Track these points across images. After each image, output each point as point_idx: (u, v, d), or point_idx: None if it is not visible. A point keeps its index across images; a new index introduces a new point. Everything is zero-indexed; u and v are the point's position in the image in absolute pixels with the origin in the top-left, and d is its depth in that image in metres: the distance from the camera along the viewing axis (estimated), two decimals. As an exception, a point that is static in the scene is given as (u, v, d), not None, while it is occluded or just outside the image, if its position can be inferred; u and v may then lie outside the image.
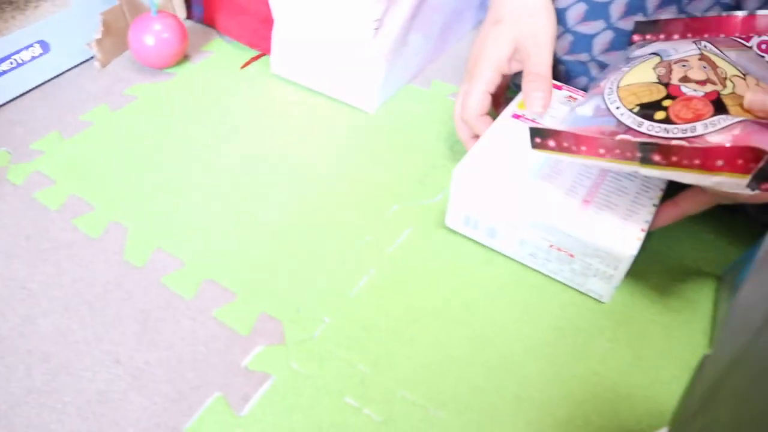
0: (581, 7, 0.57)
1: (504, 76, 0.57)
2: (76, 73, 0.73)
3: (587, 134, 0.44)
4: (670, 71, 0.47)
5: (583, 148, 0.44)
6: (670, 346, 0.48)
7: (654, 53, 0.49)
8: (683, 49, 0.48)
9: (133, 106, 0.69)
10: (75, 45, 0.72)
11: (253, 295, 0.51)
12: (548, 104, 0.54)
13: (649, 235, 0.52)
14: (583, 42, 0.57)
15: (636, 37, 0.54)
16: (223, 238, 0.55)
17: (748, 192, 0.37)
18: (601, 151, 0.44)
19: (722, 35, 0.50)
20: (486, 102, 0.56)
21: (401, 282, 0.52)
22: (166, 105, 0.69)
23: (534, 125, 0.48)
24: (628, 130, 0.43)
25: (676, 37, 0.52)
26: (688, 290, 0.51)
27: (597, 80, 0.52)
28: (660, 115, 0.43)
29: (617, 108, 0.45)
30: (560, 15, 0.57)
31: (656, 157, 0.40)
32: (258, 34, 0.74)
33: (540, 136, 0.47)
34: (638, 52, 0.51)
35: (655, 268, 0.53)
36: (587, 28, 0.57)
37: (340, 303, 0.51)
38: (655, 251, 0.54)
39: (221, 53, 0.76)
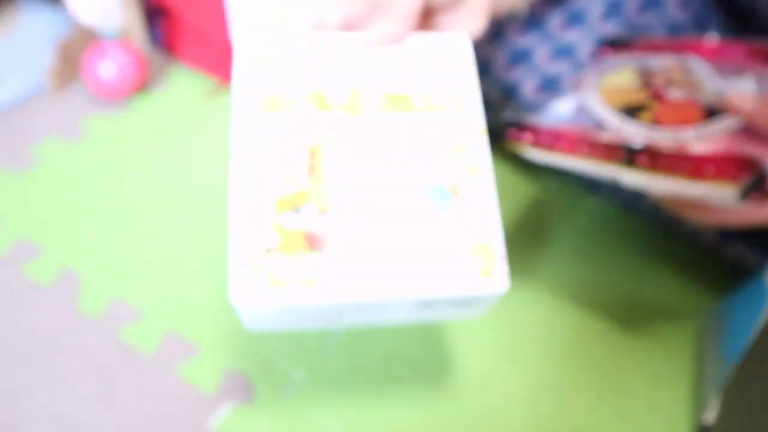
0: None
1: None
2: (28, 103, 0.68)
3: (569, 132, 0.42)
4: (652, 76, 0.45)
5: (563, 144, 0.42)
6: (656, 398, 0.47)
7: (629, 62, 0.48)
8: (661, 62, 0.47)
9: (88, 139, 0.65)
10: (25, 73, 0.68)
11: (218, 348, 0.48)
12: (396, 36, 0.42)
13: (624, 277, 0.51)
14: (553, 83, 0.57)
15: (606, 51, 0.53)
16: (185, 285, 0.52)
17: (731, 205, 0.37)
18: (584, 149, 0.41)
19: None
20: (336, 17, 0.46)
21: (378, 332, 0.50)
22: (124, 138, 0.65)
23: (510, 115, 0.45)
24: (612, 129, 0.41)
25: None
26: (670, 337, 0.50)
27: (576, 75, 0.50)
28: (646, 116, 0.42)
29: (600, 107, 0.43)
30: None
31: (643, 160, 0.38)
32: (223, 62, 0.71)
33: (517, 128, 0.44)
34: (613, 60, 0.50)
35: (634, 314, 0.52)
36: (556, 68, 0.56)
37: (314, 356, 0.48)
38: (633, 296, 0.53)
39: (183, 83, 0.72)
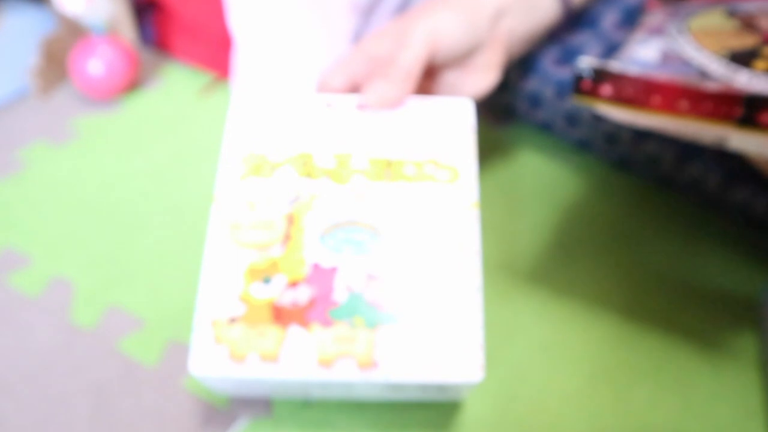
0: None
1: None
2: (11, 105, 0.64)
3: (666, 83, 0.33)
4: (755, 20, 0.37)
5: (656, 98, 0.34)
6: (720, 387, 0.42)
7: (714, 6, 0.40)
8: (755, 5, 0.39)
9: (77, 141, 0.60)
10: (8, 74, 0.63)
11: (230, 357, 0.43)
12: (392, 100, 0.39)
13: (669, 258, 0.46)
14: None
15: (653, 4, 0.46)
16: (187, 290, 0.47)
17: None
18: (683, 104, 0.33)
19: None
20: (340, 78, 0.43)
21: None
22: (115, 139, 0.60)
23: (585, 61, 0.36)
24: (720, 80, 0.33)
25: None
26: (727, 319, 0.46)
27: (640, 20, 0.42)
28: (762, 65, 0.34)
29: (698, 53, 0.35)
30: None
31: (767, 118, 0.31)
32: (218, 57, 0.67)
33: (592, 79, 0.35)
34: (689, 5, 0.42)
35: (684, 297, 0.47)
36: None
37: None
38: (680, 278, 0.48)
39: (177, 80, 0.68)
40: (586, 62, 0.36)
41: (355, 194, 0.36)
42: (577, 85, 0.36)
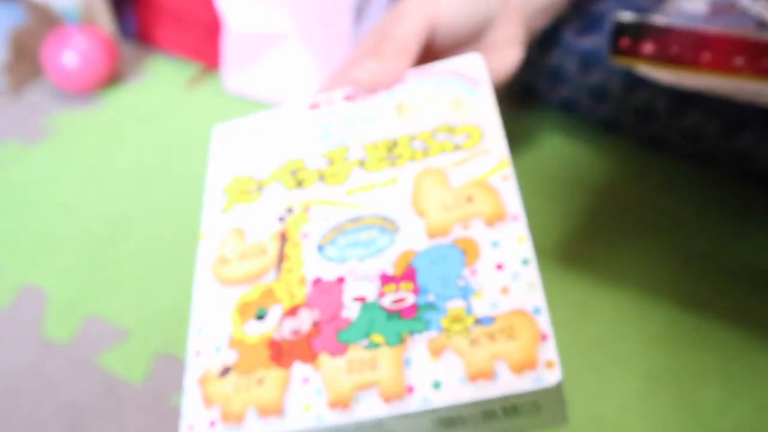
0: None
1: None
2: (-22, 104, 0.58)
3: (718, 37, 0.29)
4: None
5: (707, 56, 0.30)
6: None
7: None
8: None
9: (53, 139, 0.54)
10: (-25, 72, 0.58)
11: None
12: (387, 76, 0.33)
13: (719, 240, 0.41)
14: None
15: None
16: (175, 296, 0.41)
17: None
18: (738, 61, 0.29)
19: None
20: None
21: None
22: (94, 137, 0.55)
23: (622, 17, 0.32)
24: None
25: None
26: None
27: None
28: None
29: (753, 1, 0.32)
30: None
31: None
32: (206, 46, 0.62)
33: (631, 35, 0.32)
34: None
35: (744, 282, 0.41)
36: None
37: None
38: (736, 261, 0.42)
39: (160, 72, 0.62)
40: (626, 17, 0.31)
41: (354, 192, 0.29)
42: (615, 43, 0.32)
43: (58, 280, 0.42)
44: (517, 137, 0.51)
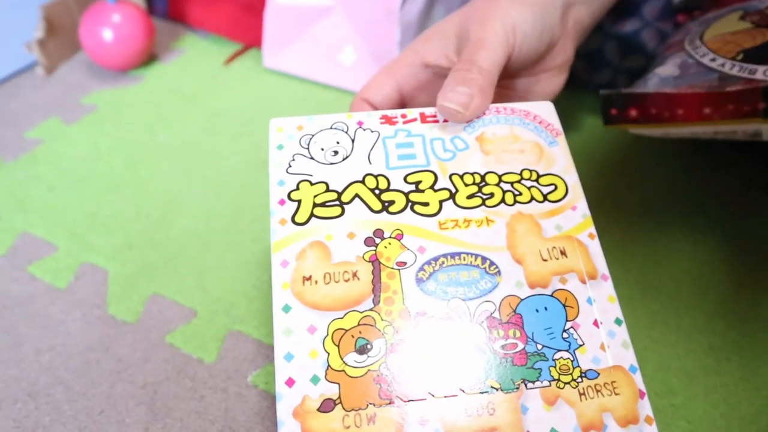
0: None
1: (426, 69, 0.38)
2: (15, 82, 0.57)
3: (687, 95, 0.34)
4: (766, 16, 0.37)
5: (680, 111, 0.34)
6: None
7: (731, 11, 0.40)
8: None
9: (93, 117, 0.54)
10: (10, 47, 0.57)
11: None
12: (476, 109, 0.32)
13: (747, 212, 0.41)
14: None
15: (681, 17, 0.45)
16: (237, 273, 0.41)
17: None
18: (707, 111, 0.33)
19: None
20: (386, 88, 0.37)
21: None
22: (135, 113, 0.54)
23: (607, 91, 0.36)
24: (738, 81, 0.33)
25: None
26: None
27: (663, 44, 0.42)
28: None
29: (712, 60, 0.35)
30: None
31: None
32: (241, 24, 0.61)
33: (617, 106, 0.36)
34: (702, 19, 0.42)
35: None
36: None
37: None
38: (761, 236, 0.43)
39: (196, 50, 0.62)
40: (610, 92, 0.36)
41: (449, 223, 0.29)
42: (606, 114, 0.37)
43: (117, 258, 0.42)
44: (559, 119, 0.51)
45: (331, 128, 0.31)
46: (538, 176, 0.30)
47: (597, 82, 0.51)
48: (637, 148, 0.48)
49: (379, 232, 0.28)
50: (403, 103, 0.38)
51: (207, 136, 0.51)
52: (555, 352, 0.26)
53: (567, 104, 0.51)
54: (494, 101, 0.37)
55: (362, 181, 0.29)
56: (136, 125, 0.53)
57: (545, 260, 0.28)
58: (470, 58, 0.33)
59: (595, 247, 0.29)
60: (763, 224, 0.43)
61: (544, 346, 0.26)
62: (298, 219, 0.28)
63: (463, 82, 0.32)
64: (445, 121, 0.32)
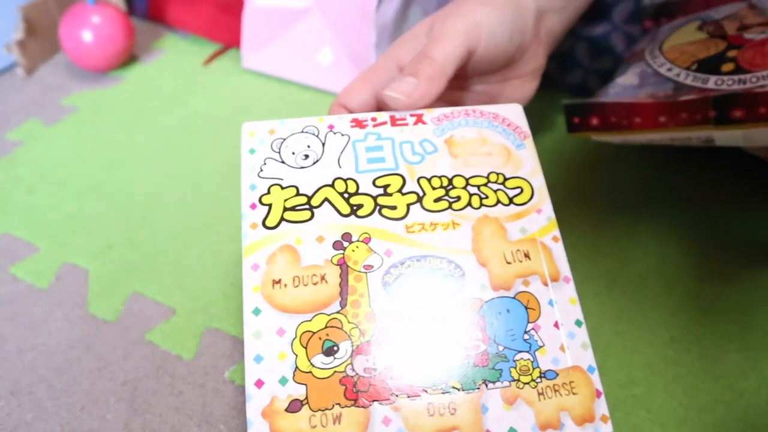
0: None
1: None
2: (-6, 84, 0.58)
3: (643, 103, 0.36)
4: (720, 27, 0.39)
5: (638, 120, 0.36)
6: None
7: (691, 20, 0.42)
8: (725, 10, 0.41)
9: (74, 118, 0.54)
10: (-12, 50, 0.57)
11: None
12: (421, 96, 0.33)
13: (720, 212, 0.43)
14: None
15: (649, 23, 0.47)
16: (218, 271, 0.42)
17: None
18: (662, 119, 0.35)
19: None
20: (363, 94, 0.37)
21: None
22: (115, 114, 0.55)
23: (569, 101, 0.38)
24: (692, 90, 0.35)
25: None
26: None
27: (629, 50, 0.44)
28: (728, 66, 0.35)
29: (669, 70, 0.37)
30: None
31: (737, 113, 0.33)
32: (220, 25, 0.62)
33: (579, 115, 0.38)
34: (665, 27, 0.44)
35: (751, 252, 0.43)
36: None
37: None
38: (753, 236, 0.44)
39: (176, 51, 0.62)
40: (572, 101, 0.38)
41: (415, 226, 0.29)
42: (570, 122, 0.39)
43: (97, 258, 0.42)
44: (530, 119, 0.52)
45: (302, 132, 0.32)
46: (505, 179, 0.31)
47: (569, 82, 0.52)
48: (606, 148, 0.50)
49: (347, 236, 0.29)
50: (380, 109, 0.39)
51: (186, 137, 0.52)
52: (516, 354, 0.27)
53: (539, 104, 0.52)
54: (466, 105, 0.38)
55: (332, 185, 0.30)
56: (117, 126, 0.53)
57: (509, 263, 0.29)
58: (423, 51, 0.34)
59: (558, 249, 0.30)
60: (725, 222, 0.45)
61: (505, 347, 0.27)
62: (268, 223, 0.29)
63: (411, 73, 0.33)
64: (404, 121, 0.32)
